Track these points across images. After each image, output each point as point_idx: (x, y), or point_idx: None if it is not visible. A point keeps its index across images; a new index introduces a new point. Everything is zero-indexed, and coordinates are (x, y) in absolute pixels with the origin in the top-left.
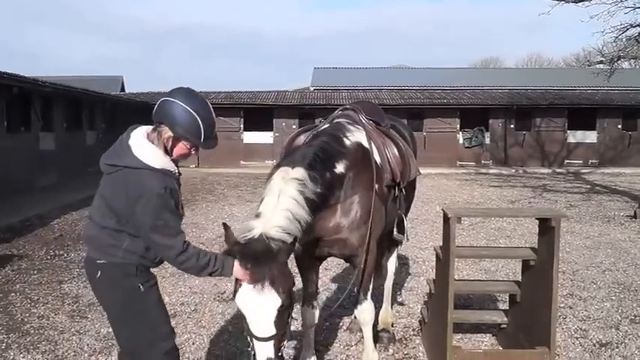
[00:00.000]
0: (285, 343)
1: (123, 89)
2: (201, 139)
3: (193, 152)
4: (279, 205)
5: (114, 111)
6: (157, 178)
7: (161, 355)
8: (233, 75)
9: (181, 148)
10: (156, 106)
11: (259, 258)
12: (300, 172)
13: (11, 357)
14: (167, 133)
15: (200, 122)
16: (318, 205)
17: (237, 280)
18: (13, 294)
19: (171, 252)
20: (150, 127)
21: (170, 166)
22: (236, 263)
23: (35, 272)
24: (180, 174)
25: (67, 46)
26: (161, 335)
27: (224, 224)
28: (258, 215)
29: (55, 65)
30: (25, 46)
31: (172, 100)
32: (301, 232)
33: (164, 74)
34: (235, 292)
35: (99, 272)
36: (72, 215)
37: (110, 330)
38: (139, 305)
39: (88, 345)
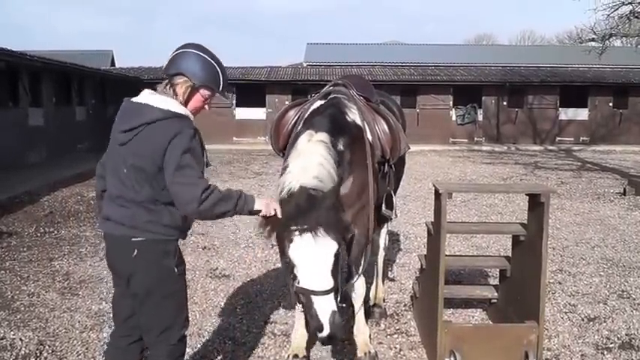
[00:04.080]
0: (338, 300)
1: (113, 64)
2: (220, 87)
3: (207, 107)
4: (312, 160)
5: (104, 86)
6: (185, 121)
7: (175, 341)
8: (225, 51)
9: (198, 99)
10: (168, 61)
11: (306, 206)
12: (324, 135)
13: (1, 334)
14: (186, 83)
15: (218, 70)
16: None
17: (265, 218)
18: (2, 271)
19: (196, 190)
20: (151, 90)
21: (191, 114)
22: (258, 198)
23: (25, 249)
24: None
25: (56, 20)
26: (181, 321)
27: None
28: (289, 171)
29: (43, 39)
30: (12, 19)
31: (189, 50)
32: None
33: (154, 49)
34: (263, 228)
35: (135, 251)
36: (62, 192)
37: (101, 307)
38: (171, 287)
39: (79, 322)
